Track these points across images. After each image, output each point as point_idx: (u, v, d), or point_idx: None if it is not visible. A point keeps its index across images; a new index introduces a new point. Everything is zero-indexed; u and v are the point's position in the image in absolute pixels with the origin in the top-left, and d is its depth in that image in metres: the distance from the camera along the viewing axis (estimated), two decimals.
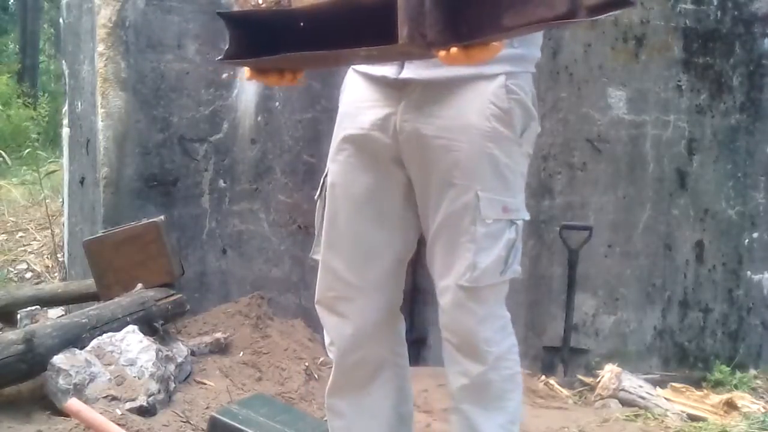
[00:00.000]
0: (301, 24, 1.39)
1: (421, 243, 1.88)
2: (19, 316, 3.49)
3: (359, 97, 1.80)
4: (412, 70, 1.69)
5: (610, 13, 1.24)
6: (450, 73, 1.65)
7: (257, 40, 1.42)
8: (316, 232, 1.93)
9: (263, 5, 1.39)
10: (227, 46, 1.43)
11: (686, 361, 4.14)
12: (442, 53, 1.34)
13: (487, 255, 1.71)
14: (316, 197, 1.94)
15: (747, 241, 4.21)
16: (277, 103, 3.48)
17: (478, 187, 1.69)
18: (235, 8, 1.48)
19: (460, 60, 1.35)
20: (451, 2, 1.30)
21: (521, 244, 1.78)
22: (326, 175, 1.90)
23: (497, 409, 1.80)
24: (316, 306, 1.95)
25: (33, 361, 2.45)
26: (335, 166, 1.87)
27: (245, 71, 1.56)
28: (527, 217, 1.78)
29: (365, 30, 1.31)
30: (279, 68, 1.54)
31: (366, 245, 1.83)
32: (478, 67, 1.61)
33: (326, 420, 2.76)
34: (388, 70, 1.71)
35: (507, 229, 1.72)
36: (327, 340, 1.95)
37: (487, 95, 1.69)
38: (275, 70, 1.54)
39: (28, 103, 10.51)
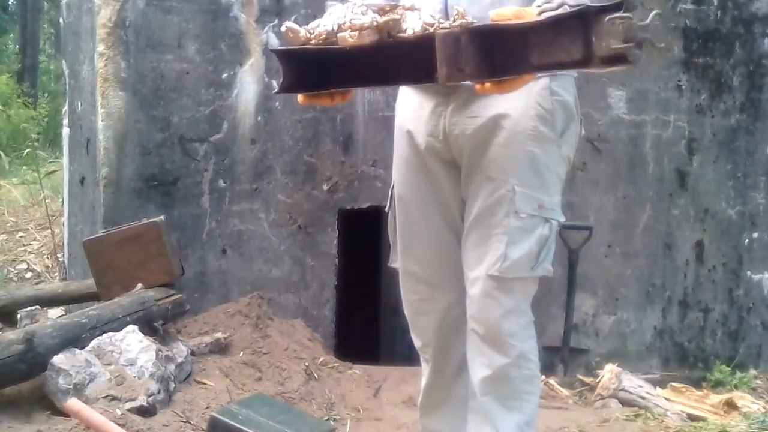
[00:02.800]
0: (349, 61, 1.51)
1: None
2: (19, 316, 3.49)
3: (412, 107, 1.90)
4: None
5: (619, 68, 1.36)
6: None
7: (308, 72, 1.53)
8: (390, 242, 2.05)
9: (312, 42, 1.50)
10: (282, 80, 1.56)
11: (686, 361, 4.14)
12: (478, 86, 1.46)
13: (518, 248, 1.78)
14: (386, 209, 2.06)
15: (747, 241, 4.21)
16: (277, 103, 3.48)
17: (515, 182, 1.76)
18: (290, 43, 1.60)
19: (494, 92, 1.49)
20: (485, 40, 1.40)
21: (554, 244, 1.83)
22: (393, 187, 2.02)
23: (515, 409, 1.85)
24: (405, 311, 2.04)
25: (33, 361, 2.45)
26: (399, 176, 1.98)
27: (299, 96, 1.66)
28: (562, 219, 1.84)
29: (409, 65, 1.44)
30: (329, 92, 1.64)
31: (438, 246, 1.93)
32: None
33: (327, 419, 2.77)
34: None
35: (540, 226, 1.78)
36: (419, 343, 2.04)
37: (533, 96, 1.75)
38: (326, 94, 1.63)
39: (28, 103, 10.51)
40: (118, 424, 2.23)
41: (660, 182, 4.02)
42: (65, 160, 4.55)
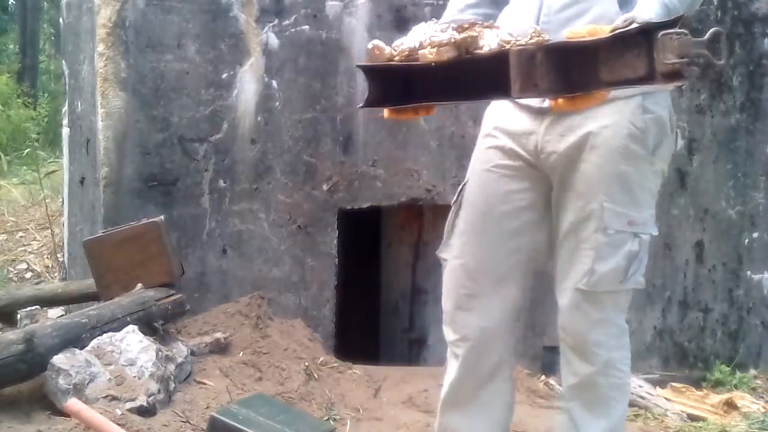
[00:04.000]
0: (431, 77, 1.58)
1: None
2: (19, 316, 3.49)
3: (505, 119, 1.94)
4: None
5: (677, 83, 1.45)
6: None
7: (391, 87, 1.62)
8: (445, 234, 2.06)
9: (396, 58, 1.58)
10: (367, 94, 1.64)
11: (686, 361, 4.14)
12: (552, 102, 1.54)
13: (606, 263, 1.83)
14: (452, 201, 2.06)
15: (747, 241, 4.21)
16: (277, 103, 3.48)
17: (605, 198, 1.81)
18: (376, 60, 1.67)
19: (566, 108, 1.55)
20: (559, 56, 1.47)
21: (646, 256, 1.88)
22: (465, 184, 2.03)
23: (601, 415, 1.90)
24: (445, 303, 2.07)
25: (33, 361, 2.45)
26: (476, 177, 2.00)
27: (384, 111, 1.72)
28: (655, 232, 1.89)
29: (486, 82, 1.51)
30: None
31: (500, 245, 1.96)
32: (616, 91, 1.73)
33: (327, 419, 2.77)
34: (533, 99, 1.81)
35: (629, 241, 1.83)
36: (454, 337, 2.05)
37: (625, 115, 1.81)
38: (410, 108, 1.69)
39: (28, 103, 10.51)
40: (118, 424, 2.24)
41: None
42: (65, 160, 4.55)
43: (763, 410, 3.54)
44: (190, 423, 2.48)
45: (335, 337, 3.62)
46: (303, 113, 3.52)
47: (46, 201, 5.27)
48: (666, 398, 3.54)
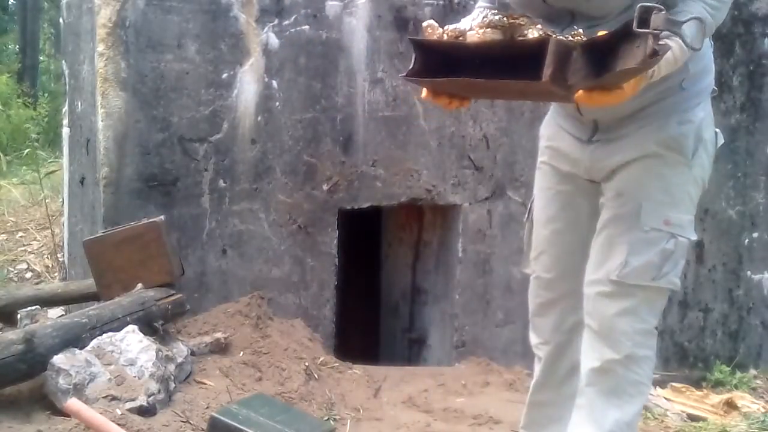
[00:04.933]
0: (470, 61, 1.67)
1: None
2: (19, 316, 3.49)
3: (558, 144, 2.11)
4: (600, 135, 2.00)
5: (656, 59, 1.55)
6: (630, 129, 1.92)
7: (435, 65, 1.70)
8: (525, 249, 2.26)
9: (446, 37, 1.68)
10: (412, 65, 1.71)
11: (686, 361, 4.14)
12: (584, 97, 1.61)
13: (639, 257, 1.90)
14: (525, 220, 2.28)
15: (747, 241, 4.21)
16: (277, 103, 3.48)
17: (644, 198, 1.90)
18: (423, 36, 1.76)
19: (584, 101, 1.62)
20: (593, 54, 1.56)
21: (683, 260, 1.96)
22: (533, 202, 2.22)
23: (617, 406, 1.95)
24: (529, 311, 2.25)
25: (33, 361, 2.45)
26: (538, 191, 2.19)
27: (423, 91, 1.81)
28: (693, 237, 1.97)
29: (520, 69, 1.57)
30: (449, 93, 1.80)
31: (566, 259, 2.12)
32: (656, 116, 1.92)
33: (327, 419, 2.77)
34: (583, 134, 2.04)
35: (665, 240, 1.91)
36: (536, 341, 2.23)
37: (662, 131, 1.91)
38: (447, 94, 1.80)
39: (28, 103, 10.50)
40: (118, 424, 2.24)
41: None
42: (65, 160, 4.55)
43: (763, 410, 3.54)
44: (190, 423, 2.48)
45: (335, 337, 3.62)
46: (303, 113, 3.52)
47: (46, 201, 5.27)
48: (666, 398, 3.55)
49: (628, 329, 1.92)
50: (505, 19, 1.63)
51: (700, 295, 4.14)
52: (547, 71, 1.52)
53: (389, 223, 4.28)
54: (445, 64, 1.69)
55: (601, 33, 1.60)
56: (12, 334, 2.55)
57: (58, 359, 2.46)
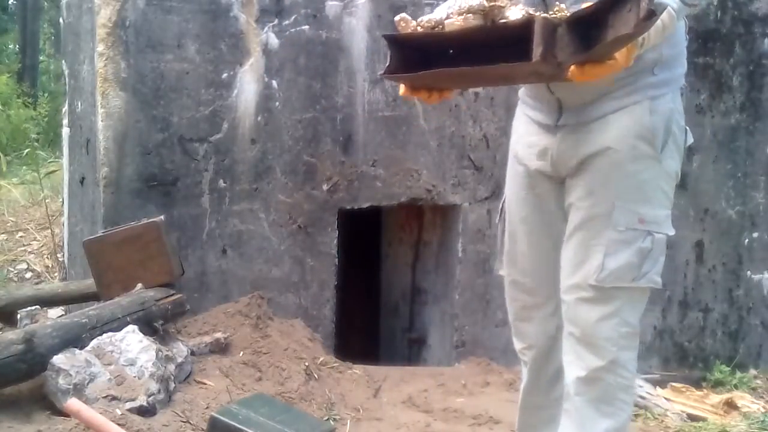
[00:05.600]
0: (450, 51, 1.61)
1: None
2: (19, 316, 3.49)
3: (526, 136, 2.05)
4: (566, 118, 1.92)
5: (649, 22, 1.48)
6: (598, 113, 1.86)
7: (413, 60, 1.64)
8: (498, 250, 2.20)
9: (420, 29, 1.61)
10: (388, 63, 1.65)
11: (686, 361, 4.14)
12: (576, 73, 1.54)
13: (616, 258, 1.85)
14: (497, 221, 2.21)
15: (747, 241, 4.21)
16: (277, 103, 3.48)
17: (615, 196, 1.84)
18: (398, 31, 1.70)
19: (578, 77, 1.55)
20: (579, 27, 1.51)
21: (662, 256, 1.91)
22: (504, 201, 2.15)
23: (607, 414, 1.91)
24: (509, 316, 2.19)
25: (33, 361, 2.45)
26: (509, 193, 2.12)
27: (401, 87, 1.74)
28: (671, 232, 1.93)
29: (505, 52, 1.53)
30: (429, 86, 1.73)
31: (540, 260, 2.06)
32: (623, 100, 1.82)
33: (327, 419, 2.77)
34: (549, 119, 1.96)
35: (641, 239, 1.86)
36: (519, 346, 2.17)
37: (634, 118, 1.85)
38: (425, 88, 1.73)
39: (28, 103, 10.51)
40: (118, 424, 2.24)
41: None
42: (65, 160, 4.55)
43: (763, 410, 3.54)
44: (190, 423, 2.48)
45: (335, 337, 3.62)
46: (303, 113, 3.52)
47: (46, 201, 5.27)
48: (666, 398, 3.54)
49: (612, 334, 1.88)
50: (484, 2, 1.58)
51: (700, 295, 4.14)
52: (537, 51, 1.48)
53: (389, 223, 4.28)
54: (422, 58, 1.64)
55: (585, 5, 1.55)
56: (12, 334, 2.55)
57: (58, 359, 2.46)
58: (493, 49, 1.55)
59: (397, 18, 1.67)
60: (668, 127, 1.88)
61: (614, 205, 1.85)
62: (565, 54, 1.51)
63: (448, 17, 1.60)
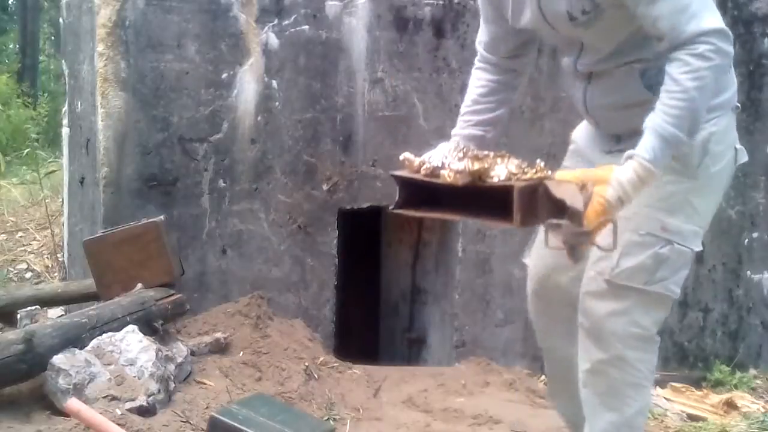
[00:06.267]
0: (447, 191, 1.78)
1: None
2: (19, 316, 3.49)
3: (587, 152, 2.14)
4: (622, 145, 1.95)
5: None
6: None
7: (417, 196, 1.83)
8: (531, 240, 2.28)
9: (422, 172, 1.79)
10: (397, 197, 1.84)
11: (686, 361, 4.14)
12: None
13: (630, 259, 1.90)
14: None
15: (747, 241, 4.21)
16: (277, 103, 3.48)
17: (641, 204, 1.85)
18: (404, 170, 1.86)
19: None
20: (552, 193, 1.66)
21: (685, 269, 1.93)
22: None
23: (612, 408, 1.94)
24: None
25: (33, 361, 2.45)
26: None
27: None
28: (696, 247, 1.93)
29: (490, 205, 1.70)
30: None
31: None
32: None
33: (327, 419, 2.77)
34: (606, 145, 2.06)
35: (658, 245, 1.89)
36: (538, 337, 2.26)
37: None
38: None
39: (28, 103, 10.51)
40: (118, 424, 2.23)
41: None
42: (65, 160, 4.55)
43: (763, 410, 3.54)
44: (190, 423, 2.48)
45: (335, 337, 3.62)
46: (303, 113, 3.52)
47: (46, 201, 5.27)
48: (666, 398, 3.54)
49: (618, 330, 1.91)
50: (470, 162, 1.72)
51: (700, 295, 4.14)
52: (516, 216, 1.63)
53: (389, 223, 4.28)
54: (425, 195, 1.81)
55: (558, 175, 1.70)
56: (12, 334, 2.55)
57: (58, 359, 2.46)
58: (483, 202, 1.73)
59: (401, 157, 1.82)
60: (705, 147, 1.91)
61: (638, 211, 1.87)
62: (542, 217, 1.68)
63: (443, 166, 1.75)
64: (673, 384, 3.70)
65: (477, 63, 2.15)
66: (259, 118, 3.46)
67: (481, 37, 2.13)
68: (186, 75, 3.36)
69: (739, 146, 2.02)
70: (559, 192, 1.67)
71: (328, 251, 3.58)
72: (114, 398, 2.43)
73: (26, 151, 7.29)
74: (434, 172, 1.77)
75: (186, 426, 2.46)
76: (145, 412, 2.45)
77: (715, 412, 3.50)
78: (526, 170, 1.70)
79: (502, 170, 1.70)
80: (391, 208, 1.85)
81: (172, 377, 2.69)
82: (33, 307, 3.50)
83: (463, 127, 2.12)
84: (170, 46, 3.33)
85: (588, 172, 1.75)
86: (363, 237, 4.19)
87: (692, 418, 3.43)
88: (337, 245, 3.60)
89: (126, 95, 3.29)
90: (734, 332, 4.23)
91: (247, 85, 3.44)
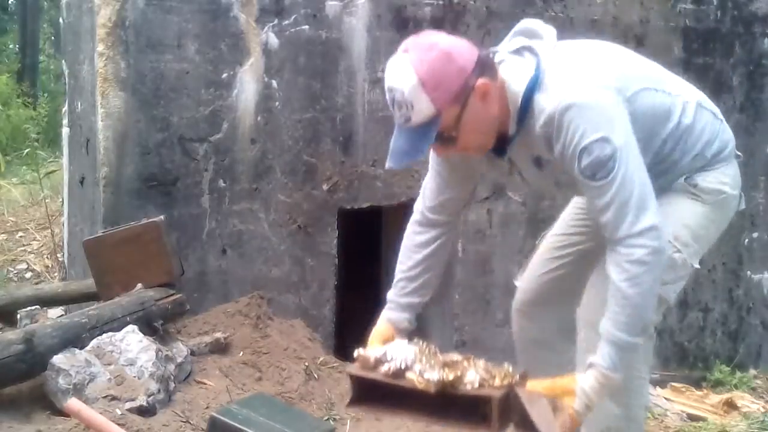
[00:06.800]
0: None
1: None
2: (19, 316, 3.49)
3: None
4: None
5: None
6: None
7: (375, 394, 1.84)
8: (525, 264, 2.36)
9: (383, 374, 1.78)
10: (351, 395, 1.89)
11: (686, 361, 4.14)
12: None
13: None
14: (537, 242, 2.39)
15: (747, 241, 4.21)
16: (277, 103, 3.48)
17: (663, 211, 1.89)
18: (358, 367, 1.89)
19: None
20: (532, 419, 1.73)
21: (683, 281, 2.00)
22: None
23: (619, 404, 1.99)
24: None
25: (33, 361, 2.45)
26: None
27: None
28: (696, 264, 1.99)
29: (463, 410, 1.75)
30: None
31: None
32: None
33: (327, 419, 2.77)
34: None
35: (671, 250, 1.90)
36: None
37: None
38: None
39: (28, 102, 10.52)
40: (118, 424, 2.23)
41: None
42: (65, 160, 4.55)
43: (763, 410, 3.54)
44: (190, 423, 2.48)
45: (335, 337, 3.62)
46: (303, 113, 3.52)
47: (46, 201, 5.27)
48: (666, 398, 3.55)
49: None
50: (443, 371, 1.73)
51: (700, 295, 4.14)
52: (495, 425, 1.71)
53: (389, 223, 4.27)
54: (386, 395, 1.80)
55: (530, 385, 1.78)
56: (12, 334, 2.55)
57: (58, 359, 2.46)
58: (456, 409, 1.75)
59: (355, 354, 1.83)
60: (720, 189, 2.00)
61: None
62: (513, 418, 1.75)
63: (407, 368, 1.75)
64: (673, 384, 3.70)
65: (416, 226, 2.20)
66: (259, 118, 3.46)
67: (428, 202, 2.19)
68: (186, 75, 3.36)
69: (742, 193, 2.10)
70: (533, 412, 1.72)
71: (328, 251, 3.58)
72: (114, 398, 2.43)
73: (26, 151, 7.29)
74: (397, 373, 1.77)
75: (186, 426, 2.46)
76: (145, 412, 2.45)
77: (715, 412, 3.50)
78: (494, 374, 1.76)
79: (473, 377, 1.75)
80: (346, 405, 1.91)
81: (172, 377, 2.69)
82: (33, 307, 3.51)
83: (400, 294, 2.15)
84: (170, 46, 3.33)
85: (555, 384, 1.82)
86: (363, 237, 4.19)
87: (692, 418, 3.43)
88: (337, 245, 3.60)
89: (126, 95, 3.29)
90: (734, 332, 4.23)
91: (247, 85, 3.44)
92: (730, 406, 3.58)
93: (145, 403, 2.46)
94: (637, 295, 1.77)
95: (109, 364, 2.54)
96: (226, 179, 3.43)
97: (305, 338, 3.33)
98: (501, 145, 1.91)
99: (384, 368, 1.79)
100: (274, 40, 3.46)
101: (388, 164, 1.94)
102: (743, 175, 2.13)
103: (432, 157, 2.15)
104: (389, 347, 1.85)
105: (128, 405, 2.42)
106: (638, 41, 3.92)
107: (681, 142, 1.95)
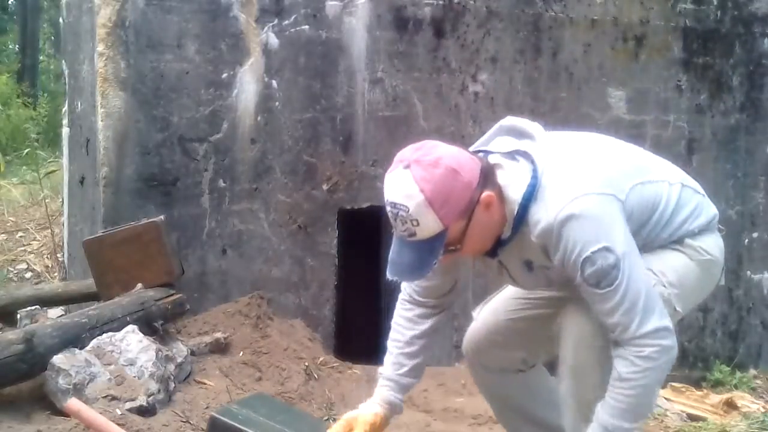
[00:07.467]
0: None
1: None
2: (19, 316, 3.48)
3: None
4: None
5: None
6: None
7: None
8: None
9: None
10: None
11: (686, 361, 4.14)
12: None
13: None
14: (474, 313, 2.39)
15: (747, 241, 4.21)
16: (277, 103, 3.48)
17: (655, 256, 1.97)
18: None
19: None
20: None
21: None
22: None
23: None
24: None
25: (33, 361, 2.45)
26: None
27: None
28: (678, 306, 1.97)
29: None
30: None
31: None
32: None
33: (327, 419, 2.77)
34: None
35: (659, 284, 1.92)
36: None
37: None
38: None
39: (28, 102, 10.52)
40: (118, 424, 2.23)
41: None
42: (65, 160, 4.55)
43: (763, 410, 3.54)
44: (190, 423, 2.48)
45: (335, 337, 3.62)
46: (303, 113, 3.52)
47: (46, 201, 5.27)
48: (666, 398, 3.54)
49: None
50: None
51: None
52: None
53: (389, 223, 4.27)
54: None
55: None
56: (12, 334, 2.55)
57: (58, 359, 2.46)
58: None
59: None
60: (709, 251, 2.06)
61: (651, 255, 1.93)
62: None
63: None
64: (673, 384, 3.70)
65: (405, 303, 2.21)
66: (259, 118, 3.46)
67: (415, 286, 2.16)
68: (186, 75, 3.36)
69: (724, 268, 2.12)
70: None
71: (328, 251, 3.58)
72: (114, 398, 2.43)
73: (26, 151, 7.29)
74: None
75: (186, 426, 2.46)
76: (145, 412, 2.45)
77: (715, 412, 3.50)
78: None
79: None
80: None
81: (172, 377, 2.69)
82: (33, 307, 3.50)
83: (396, 370, 2.21)
84: (170, 46, 3.33)
85: None
86: (363, 237, 4.19)
87: (692, 418, 3.42)
88: (337, 245, 3.60)
89: (126, 95, 3.29)
90: (734, 332, 4.23)
91: (247, 85, 3.44)
92: (730, 406, 3.57)
93: (145, 403, 2.46)
94: (641, 386, 1.80)
95: (109, 364, 2.54)
96: (226, 179, 3.43)
97: (305, 338, 3.33)
98: (494, 247, 1.91)
99: None
100: (274, 40, 3.46)
101: (392, 278, 1.95)
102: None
103: None
104: None
105: (128, 405, 2.42)
106: (638, 41, 3.92)
107: (668, 224, 2.00)
